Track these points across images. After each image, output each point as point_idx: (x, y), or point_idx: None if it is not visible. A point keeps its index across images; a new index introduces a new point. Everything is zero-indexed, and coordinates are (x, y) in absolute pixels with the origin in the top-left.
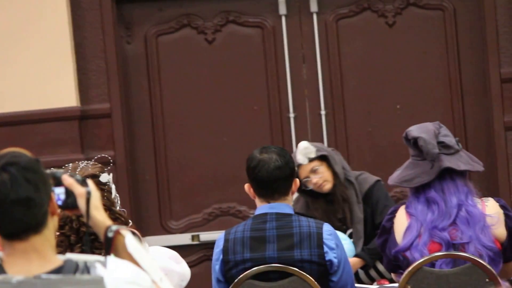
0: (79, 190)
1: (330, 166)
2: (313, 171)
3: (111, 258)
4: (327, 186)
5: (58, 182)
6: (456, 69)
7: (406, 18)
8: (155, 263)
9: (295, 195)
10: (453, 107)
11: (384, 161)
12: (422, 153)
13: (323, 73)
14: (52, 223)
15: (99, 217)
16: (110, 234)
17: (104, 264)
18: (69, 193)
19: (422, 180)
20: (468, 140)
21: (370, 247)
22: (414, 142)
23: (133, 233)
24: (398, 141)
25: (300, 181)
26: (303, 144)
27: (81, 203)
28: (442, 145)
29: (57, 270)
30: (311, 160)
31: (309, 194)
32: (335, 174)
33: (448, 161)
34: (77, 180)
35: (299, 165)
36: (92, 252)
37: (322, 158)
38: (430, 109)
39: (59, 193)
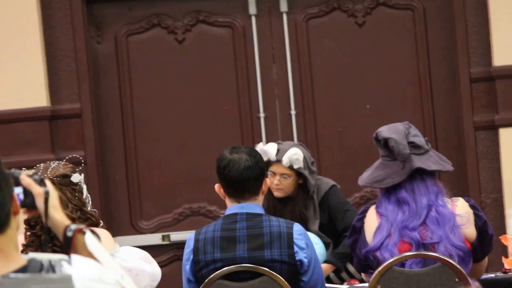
0: (37, 190)
1: (298, 181)
2: (282, 175)
3: (75, 256)
4: (279, 194)
5: (16, 182)
6: (425, 68)
7: (376, 18)
8: (115, 262)
9: None
10: (423, 106)
11: (354, 161)
12: (392, 153)
13: (293, 73)
14: (15, 222)
15: (58, 216)
16: (69, 234)
17: (69, 262)
18: (27, 193)
19: (393, 181)
20: (438, 140)
21: (339, 251)
22: (385, 143)
23: (92, 232)
24: (368, 141)
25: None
26: (298, 152)
27: (39, 203)
28: (412, 145)
29: (22, 269)
30: (290, 168)
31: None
32: (303, 191)
33: (419, 162)
34: (35, 180)
35: (278, 161)
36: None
37: (300, 174)
38: (400, 109)
39: (17, 193)
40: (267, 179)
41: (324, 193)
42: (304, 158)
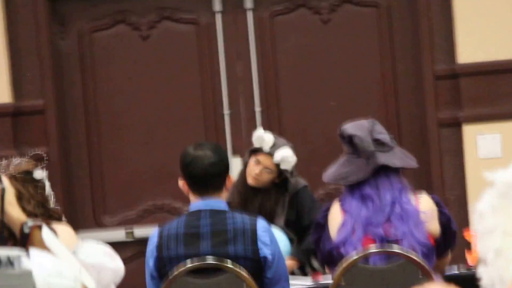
0: None
1: (276, 179)
2: (266, 168)
3: (34, 252)
4: (253, 183)
5: None
6: (390, 66)
7: (341, 15)
8: (73, 257)
9: None
10: (387, 103)
11: (319, 157)
12: (357, 150)
13: (258, 70)
14: None
15: (14, 213)
16: (26, 230)
17: (28, 257)
18: None
19: (357, 178)
20: (402, 137)
21: (304, 247)
22: (349, 140)
23: (50, 228)
24: (333, 137)
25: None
26: (292, 155)
27: None
28: (377, 142)
29: None
30: (278, 166)
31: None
32: (277, 187)
33: (383, 158)
34: None
35: (270, 154)
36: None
37: (281, 174)
38: (364, 106)
39: None
40: (231, 175)
41: (295, 191)
42: (294, 162)
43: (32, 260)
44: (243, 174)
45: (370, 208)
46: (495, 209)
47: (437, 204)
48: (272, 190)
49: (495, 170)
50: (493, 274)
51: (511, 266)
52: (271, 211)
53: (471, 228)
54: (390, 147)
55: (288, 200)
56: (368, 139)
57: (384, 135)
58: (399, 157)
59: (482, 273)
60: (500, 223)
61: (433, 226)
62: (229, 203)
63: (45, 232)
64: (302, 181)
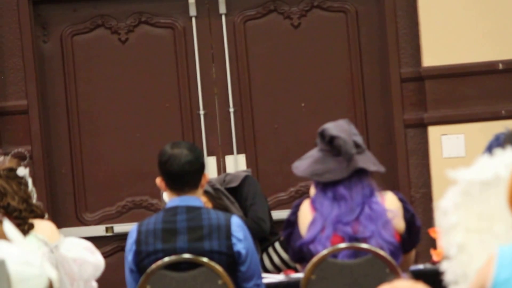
0: None
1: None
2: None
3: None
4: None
5: None
6: (358, 69)
7: (311, 20)
8: (32, 248)
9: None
10: (355, 105)
11: (289, 156)
12: (334, 149)
13: (232, 72)
14: None
15: None
16: None
17: None
18: None
19: (333, 176)
20: (369, 137)
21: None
22: (330, 140)
23: (29, 224)
24: (303, 138)
25: None
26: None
27: None
28: (354, 144)
29: None
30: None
31: None
32: (209, 195)
33: (361, 162)
34: None
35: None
36: None
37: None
38: (333, 107)
39: None
40: (206, 173)
41: (238, 184)
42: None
43: (1, 250)
44: None
45: (342, 208)
46: (458, 206)
47: (401, 200)
48: (214, 199)
49: (459, 169)
50: (457, 269)
51: (473, 261)
52: (226, 208)
53: (436, 225)
54: (363, 149)
55: (237, 195)
56: (351, 142)
57: (358, 137)
58: (372, 161)
59: (446, 268)
60: (462, 220)
61: (399, 223)
62: None
63: (6, 225)
64: (242, 173)
